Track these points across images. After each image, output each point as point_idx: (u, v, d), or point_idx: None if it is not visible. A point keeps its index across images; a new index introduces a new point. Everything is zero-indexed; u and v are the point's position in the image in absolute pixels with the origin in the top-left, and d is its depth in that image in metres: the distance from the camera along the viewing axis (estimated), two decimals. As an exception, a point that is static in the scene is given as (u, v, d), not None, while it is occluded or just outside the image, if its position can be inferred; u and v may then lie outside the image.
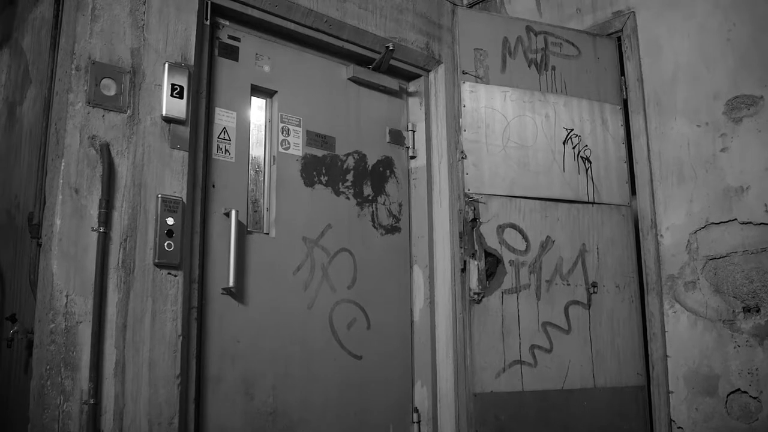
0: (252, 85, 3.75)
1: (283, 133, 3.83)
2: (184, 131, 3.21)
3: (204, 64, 3.49)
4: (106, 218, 2.88)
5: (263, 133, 3.84)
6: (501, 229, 3.73)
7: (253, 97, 3.79)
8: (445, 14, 4.59)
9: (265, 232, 3.70)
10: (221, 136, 3.57)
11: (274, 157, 3.78)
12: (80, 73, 2.95)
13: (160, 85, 3.16)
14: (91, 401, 2.74)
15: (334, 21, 3.95)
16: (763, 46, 3.57)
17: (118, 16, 3.11)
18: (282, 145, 3.81)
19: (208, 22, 3.51)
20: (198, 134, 3.37)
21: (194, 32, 3.34)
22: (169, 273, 3.05)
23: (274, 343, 3.55)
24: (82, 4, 3.02)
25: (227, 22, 3.69)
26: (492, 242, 3.70)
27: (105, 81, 3.00)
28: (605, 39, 4.22)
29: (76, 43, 2.97)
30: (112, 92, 3.01)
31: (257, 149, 3.80)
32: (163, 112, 3.13)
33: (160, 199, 3.06)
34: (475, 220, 3.66)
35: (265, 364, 3.49)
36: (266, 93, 3.86)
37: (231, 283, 3.35)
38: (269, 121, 3.85)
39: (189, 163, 3.21)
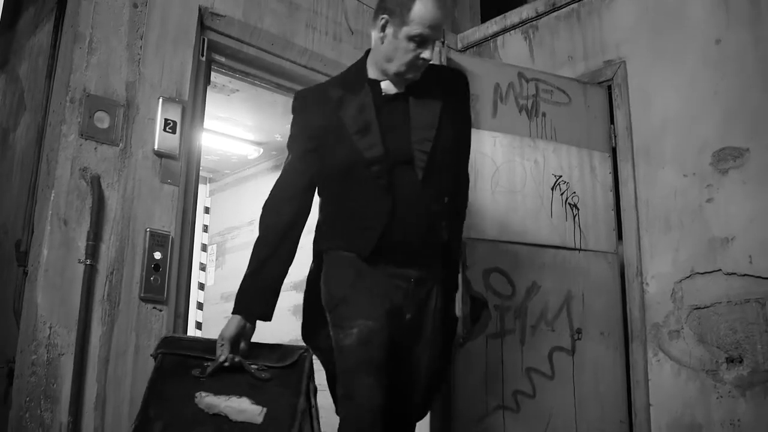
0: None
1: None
2: (176, 166, 3.23)
3: (199, 100, 3.51)
4: (93, 250, 2.89)
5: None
6: (487, 273, 3.73)
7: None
8: (439, 56, 4.63)
9: None
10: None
11: None
12: (74, 105, 2.97)
13: (154, 119, 3.18)
14: (71, 435, 2.72)
15: (329, 60, 3.99)
16: (749, 101, 3.62)
17: (115, 49, 3.14)
18: None
19: (204, 58, 3.54)
20: (190, 169, 3.39)
21: (190, 68, 3.37)
22: (154, 307, 3.05)
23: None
24: (80, 35, 3.05)
25: (223, 59, 3.72)
26: (478, 286, 3.69)
27: (99, 114, 3.02)
28: (596, 87, 4.27)
29: (72, 75, 3.00)
30: (106, 125, 3.03)
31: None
32: (156, 147, 3.15)
33: (148, 233, 3.07)
34: (461, 264, 3.65)
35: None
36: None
37: None
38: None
39: (179, 198, 3.22)
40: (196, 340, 2.61)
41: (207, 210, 6.81)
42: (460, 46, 4.94)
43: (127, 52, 3.17)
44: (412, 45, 2.33)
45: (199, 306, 6.51)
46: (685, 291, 3.72)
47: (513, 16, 4.75)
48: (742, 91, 3.65)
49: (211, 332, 6.38)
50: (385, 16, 2.36)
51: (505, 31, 4.81)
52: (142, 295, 3.01)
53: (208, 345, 2.32)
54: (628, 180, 4.05)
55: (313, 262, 2.54)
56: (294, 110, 2.53)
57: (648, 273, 3.89)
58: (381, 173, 2.35)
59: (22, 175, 3.48)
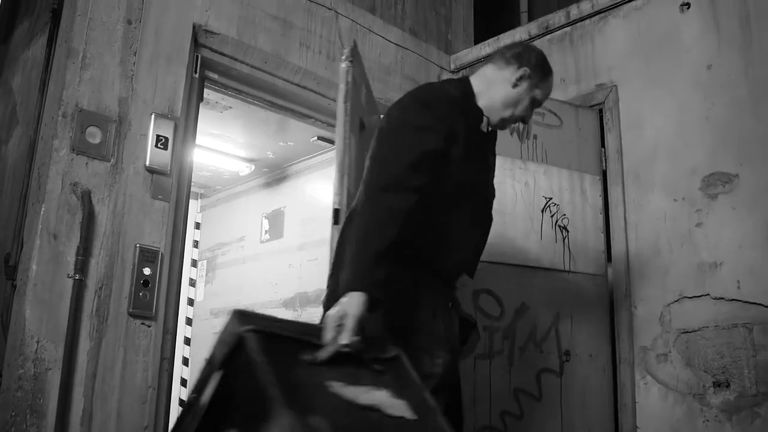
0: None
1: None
2: (167, 182, 3.23)
3: (191, 117, 3.52)
4: (82, 265, 2.89)
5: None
6: (477, 294, 3.73)
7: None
8: (432, 77, 4.67)
9: None
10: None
11: None
12: (66, 120, 2.97)
13: (146, 135, 3.19)
14: (56, 450, 2.71)
15: (322, 79, 4.00)
16: (739, 127, 3.65)
17: (108, 65, 3.15)
18: None
19: (197, 75, 3.55)
20: (181, 185, 3.39)
21: (183, 85, 3.38)
22: (142, 323, 3.05)
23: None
24: (73, 51, 3.06)
25: (216, 76, 3.73)
26: (467, 307, 3.68)
27: (91, 129, 3.02)
28: (587, 110, 4.30)
29: (65, 90, 3.00)
30: (97, 140, 3.04)
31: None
32: (147, 163, 3.16)
33: (138, 248, 3.06)
34: (451, 285, 3.64)
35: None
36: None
37: None
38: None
39: (170, 214, 3.22)
40: (287, 321, 2.10)
41: (198, 225, 6.81)
42: (453, 67, 4.97)
43: (120, 68, 3.18)
44: (530, 104, 2.58)
45: (188, 321, 6.50)
46: (674, 315, 3.73)
47: (506, 39, 4.78)
48: (733, 116, 3.68)
49: (201, 348, 6.39)
50: (527, 70, 2.54)
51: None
52: (130, 310, 3.00)
53: (306, 328, 2.04)
54: (618, 203, 4.06)
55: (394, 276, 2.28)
56: (428, 103, 2.42)
57: (637, 296, 3.90)
58: (473, 204, 2.49)
59: (12, 188, 3.48)
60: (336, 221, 3.01)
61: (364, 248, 2.14)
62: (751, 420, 3.37)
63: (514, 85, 2.54)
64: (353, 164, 3.12)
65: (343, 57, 3.13)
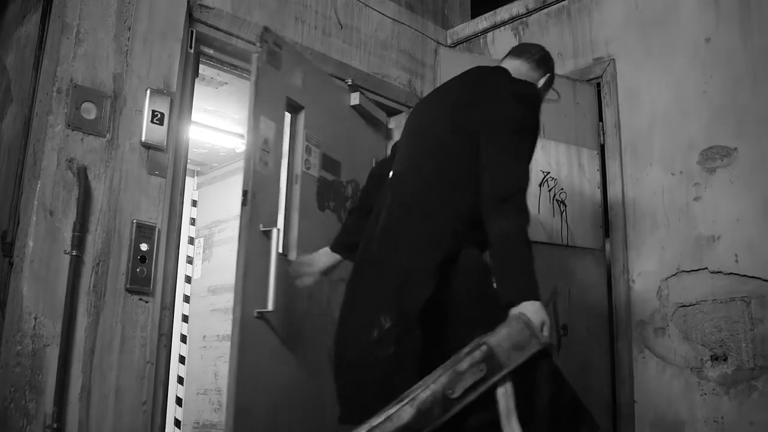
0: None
1: (307, 152, 3.69)
2: (163, 157, 3.21)
3: (187, 92, 3.49)
4: (79, 242, 2.87)
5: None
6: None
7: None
8: (428, 52, 4.64)
9: (284, 253, 3.52)
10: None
11: (297, 176, 3.62)
12: (61, 95, 2.95)
13: (141, 111, 3.17)
14: (55, 425, 2.71)
15: (318, 54, 3.98)
16: (738, 100, 3.63)
17: (103, 41, 3.12)
18: (305, 165, 3.68)
19: (192, 50, 3.52)
20: (177, 161, 3.37)
21: (177, 60, 3.36)
22: (140, 299, 3.04)
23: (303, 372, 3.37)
24: (67, 26, 3.03)
25: (211, 51, 3.70)
26: (470, 282, 3.66)
27: (86, 104, 3.00)
28: (585, 84, 4.28)
29: (59, 66, 2.98)
30: (92, 116, 3.02)
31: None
32: (143, 138, 3.14)
33: (135, 224, 3.05)
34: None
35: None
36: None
37: (270, 307, 3.13)
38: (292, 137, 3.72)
39: (166, 190, 3.21)
40: None
41: (194, 203, 6.79)
42: (449, 42, 4.94)
43: (114, 44, 3.16)
44: None
45: (186, 299, 6.50)
46: (671, 289, 3.73)
47: (503, 13, 4.76)
48: (731, 90, 3.67)
49: (198, 326, 6.38)
50: (552, 77, 2.82)
51: (495, 27, 4.82)
52: (128, 286, 3.00)
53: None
54: (615, 177, 4.06)
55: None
56: (534, 106, 2.57)
57: (634, 270, 3.91)
58: None
59: (8, 166, 3.46)
60: (245, 203, 3.06)
61: (530, 256, 2.27)
62: (749, 393, 3.39)
63: (539, 84, 2.73)
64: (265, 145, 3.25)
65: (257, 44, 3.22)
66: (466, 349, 1.95)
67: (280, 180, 3.44)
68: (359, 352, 2.36)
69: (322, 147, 3.77)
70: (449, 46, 4.92)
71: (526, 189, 2.34)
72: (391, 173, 2.72)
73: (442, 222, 2.41)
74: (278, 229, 3.15)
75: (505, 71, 2.68)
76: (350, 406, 2.36)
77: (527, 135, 2.46)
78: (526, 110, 2.48)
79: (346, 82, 4.10)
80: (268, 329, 3.11)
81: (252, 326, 3.02)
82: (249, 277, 2.99)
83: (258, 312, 3.05)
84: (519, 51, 2.80)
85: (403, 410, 1.85)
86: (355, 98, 4.08)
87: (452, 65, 3.95)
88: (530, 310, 2.14)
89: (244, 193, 3.07)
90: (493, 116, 2.44)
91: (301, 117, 3.65)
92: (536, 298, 2.20)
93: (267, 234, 3.12)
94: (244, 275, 2.98)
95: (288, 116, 3.60)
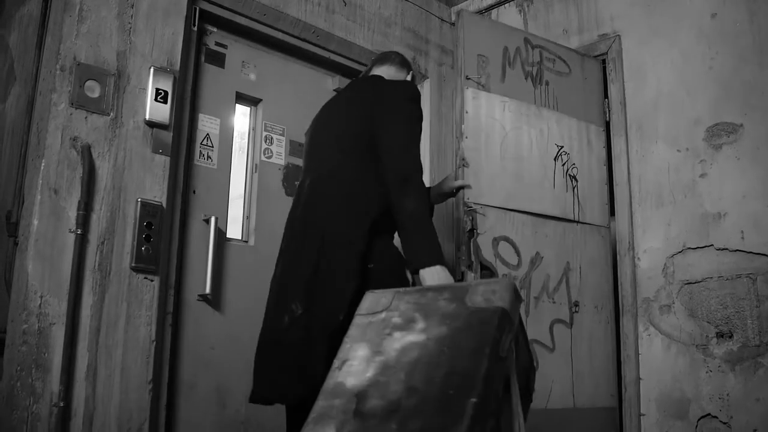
0: (237, 92, 3.76)
1: (266, 141, 3.83)
2: (167, 136, 3.21)
3: (190, 70, 3.48)
4: (84, 220, 2.87)
5: (245, 140, 3.83)
6: (496, 241, 3.67)
7: (237, 105, 3.79)
8: (432, 29, 4.61)
9: (244, 240, 3.69)
10: (204, 142, 3.56)
11: (256, 165, 3.78)
12: (65, 73, 2.94)
13: (145, 89, 3.16)
14: (61, 404, 2.72)
15: (321, 32, 3.96)
16: (744, 76, 3.61)
17: (105, 19, 3.11)
18: (265, 154, 3.81)
19: (195, 28, 3.51)
20: (181, 139, 3.37)
21: (181, 37, 3.34)
22: (145, 277, 3.04)
23: (249, 352, 3.50)
24: (70, 4, 3.02)
25: (215, 29, 3.69)
26: (488, 255, 3.64)
27: (89, 83, 2.99)
28: (591, 60, 4.25)
29: (62, 44, 2.96)
30: (96, 94, 3.00)
31: (240, 157, 3.79)
32: (147, 117, 3.13)
33: (139, 203, 3.05)
34: (472, 230, 3.60)
35: (239, 373, 3.43)
36: (251, 101, 3.87)
37: (208, 290, 3.35)
38: (253, 129, 3.86)
39: (170, 169, 3.21)
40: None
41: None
42: (454, 18, 4.90)
43: (117, 21, 3.14)
44: None
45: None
46: (677, 266, 3.73)
47: (507, -11, 4.73)
48: (737, 65, 3.64)
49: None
50: (410, 72, 3.11)
51: (499, 4, 4.79)
52: (133, 264, 3.00)
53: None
54: (621, 154, 4.04)
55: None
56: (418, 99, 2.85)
57: (640, 248, 3.90)
58: None
59: (12, 146, 3.45)
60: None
61: (430, 223, 2.54)
62: (754, 370, 3.38)
63: None
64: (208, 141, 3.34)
65: None
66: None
67: (230, 172, 3.72)
68: (273, 335, 2.61)
69: (291, 134, 3.96)
70: (453, 24, 4.88)
71: (418, 169, 2.60)
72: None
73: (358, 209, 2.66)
74: (216, 218, 3.46)
75: (382, 77, 2.96)
76: (260, 384, 2.61)
77: (414, 124, 2.74)
78: (413, 103, 2.76)
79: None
80: (211, 310, 3.49)
81: (194, 308, 3.42)
82: (189, 262, 3.43)
83: (199, 295, 3.42)
84: (382, 59, 3.09)
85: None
86: (334, 82, 4.23)
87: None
88: (439, 275, 2.41)
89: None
90: (389, 111, 2.71)
91: (260, 109, 3.89)
92: (441, 263, 2.43)
93: (207, 222, 3.48)
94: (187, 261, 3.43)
95: (248, 109, 3.93)
